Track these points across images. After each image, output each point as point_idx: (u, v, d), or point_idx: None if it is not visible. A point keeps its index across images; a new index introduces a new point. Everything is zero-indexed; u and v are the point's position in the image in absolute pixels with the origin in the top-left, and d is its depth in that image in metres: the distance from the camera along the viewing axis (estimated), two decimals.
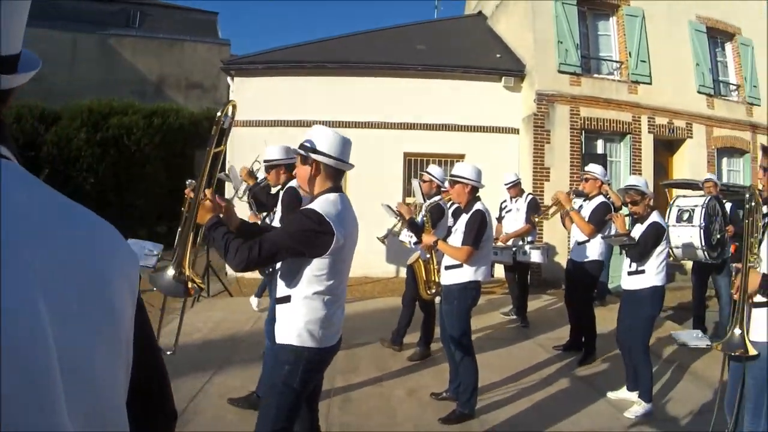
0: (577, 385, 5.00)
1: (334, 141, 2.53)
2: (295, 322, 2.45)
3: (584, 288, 5.78)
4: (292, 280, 2.46)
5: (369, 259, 9.53)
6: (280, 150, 4.55)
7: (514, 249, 6.59)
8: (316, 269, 2.41)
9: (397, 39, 11.87)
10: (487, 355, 5.67)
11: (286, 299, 2.48)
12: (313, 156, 2.50)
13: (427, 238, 4.45)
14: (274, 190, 4.74)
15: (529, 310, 7.22)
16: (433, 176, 5.53)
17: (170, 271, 2.22)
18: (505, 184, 7.24)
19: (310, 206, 2.47)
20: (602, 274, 7.13)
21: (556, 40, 10.33)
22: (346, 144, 2.58)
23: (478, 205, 4.20)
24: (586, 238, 5.52)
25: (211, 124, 2.46)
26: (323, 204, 2.45)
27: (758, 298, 2.81)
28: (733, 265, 3.39)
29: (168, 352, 3.27)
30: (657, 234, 4.38)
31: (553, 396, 4.67)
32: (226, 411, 4.06)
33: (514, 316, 7.16)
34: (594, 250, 5.61)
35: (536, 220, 6.42)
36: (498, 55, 11.36)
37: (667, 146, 11.55)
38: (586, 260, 5.64)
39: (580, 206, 5.86)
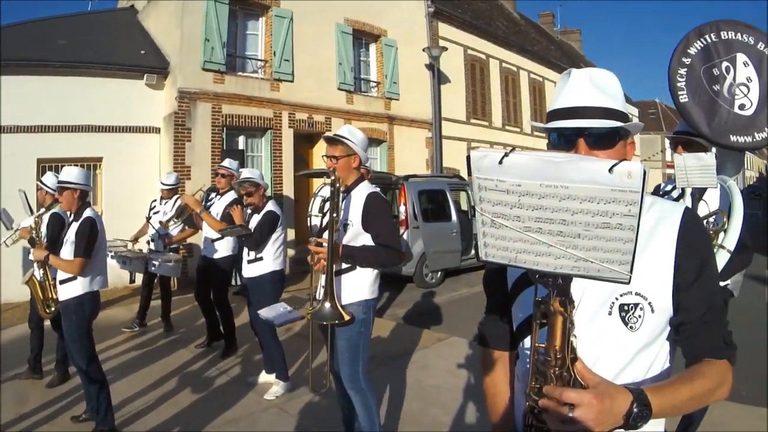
0: (220, 378, 5.11)
1: None
2: None
3: (219, 283, 5.83)
4: None
5: (6, 283, 8.16)
6: None
7: (146, 261, 6.24)
8: None
9: (37, 33, 10.17)
10: (129, 367, 5.42)
11: None
12: None
13: (37, 253, 4.06)
14: None
15: (175, 312, 7.10)
16: (45, 185, 4.95)
17: None
18: (163, 184, 6.94)
19: None
20: None
21: (203, 38, 10.27)
22: None
23: (87, 212, 3.94)
24: (218, 235, 5.49)
25: None
26: None
27: (344, 265, 3.08)
28: None
29: None
30: (272, 222, 4.69)
31: (196, 394, 4.68)
32: None
33: (137, 328, 6.81)
34: (226, 245, 5.70)
35: (164, 224, 6.27)
36: (143, 52, 10.77)
37: (307, 139, 12.56)
38: (218, 256, 5.70)
39: (211, 203, 5.88)
